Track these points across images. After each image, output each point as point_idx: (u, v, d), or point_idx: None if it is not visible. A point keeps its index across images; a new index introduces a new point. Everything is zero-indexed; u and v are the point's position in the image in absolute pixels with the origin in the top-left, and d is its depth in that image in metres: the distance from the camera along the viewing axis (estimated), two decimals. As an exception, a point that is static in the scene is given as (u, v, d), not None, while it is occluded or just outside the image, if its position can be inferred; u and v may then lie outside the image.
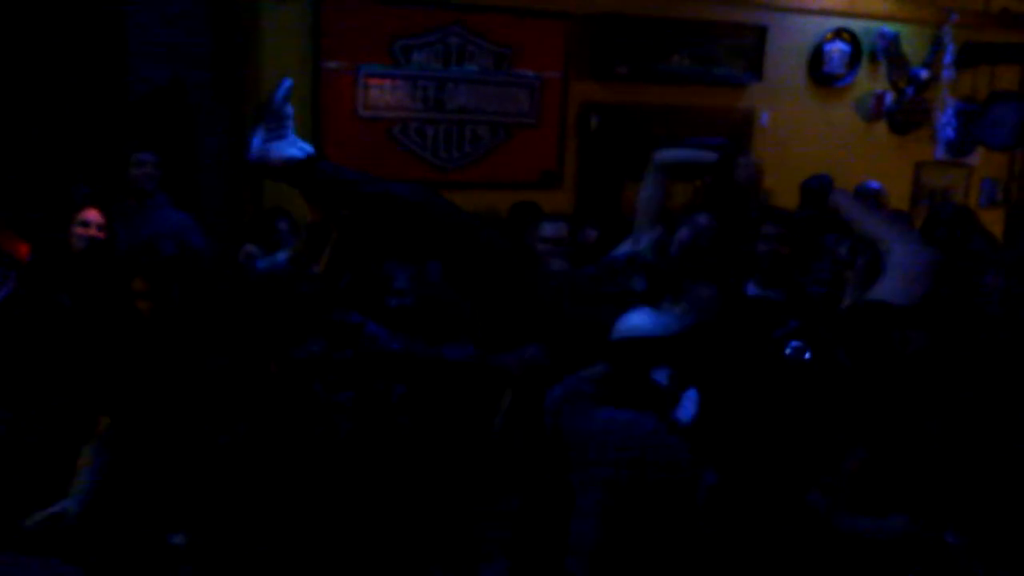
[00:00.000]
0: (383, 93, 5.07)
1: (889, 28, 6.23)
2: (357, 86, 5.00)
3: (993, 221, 6.17)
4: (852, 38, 6.14)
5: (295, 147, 2.83)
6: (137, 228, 3.96)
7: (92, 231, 3.66)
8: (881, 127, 6.41)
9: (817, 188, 5.31)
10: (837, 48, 6.14)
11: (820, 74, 6.11)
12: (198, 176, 4.81)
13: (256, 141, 2.78)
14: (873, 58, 6.27)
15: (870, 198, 5.31)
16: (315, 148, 4.85)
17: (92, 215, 3.70)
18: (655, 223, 3.68)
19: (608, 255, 3.81)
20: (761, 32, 5.78)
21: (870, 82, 6.31)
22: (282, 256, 3.65)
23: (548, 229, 4.00)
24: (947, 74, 6.40)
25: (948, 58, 6.38)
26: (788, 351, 2.24)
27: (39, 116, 4.60)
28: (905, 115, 6.41)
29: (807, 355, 2.22)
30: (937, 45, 6.37)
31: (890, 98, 6.38)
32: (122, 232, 3.81)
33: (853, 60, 6.17)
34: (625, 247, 3.75)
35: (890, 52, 6.29)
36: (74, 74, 4.67)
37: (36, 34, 4.59)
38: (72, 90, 4.66)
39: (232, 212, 4.76)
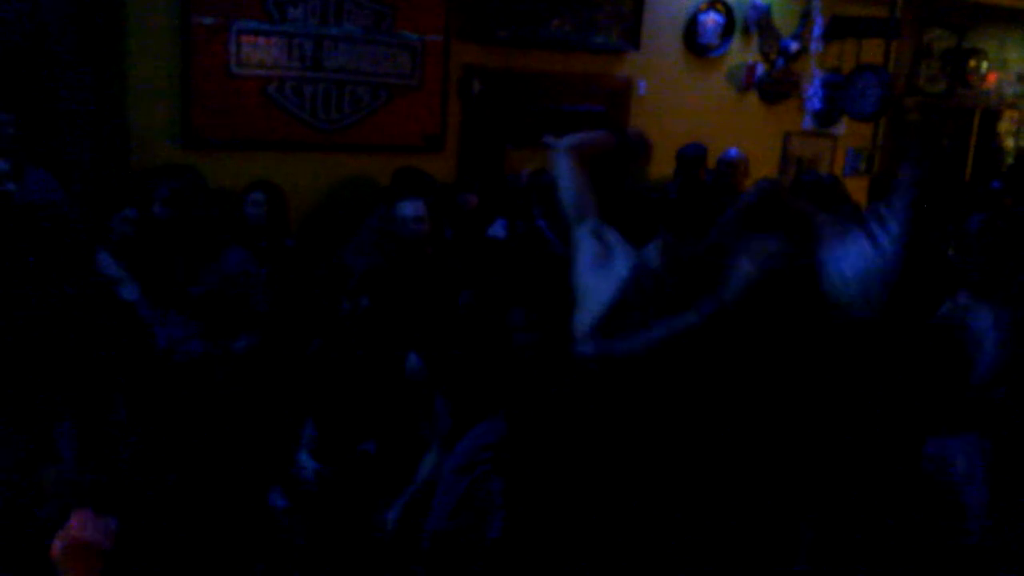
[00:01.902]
0: (257, 50, 4.90)
1: (761, 1, 6.42)
2: (230, 42, 4.82)
3: (857, 190, 6.49)
4: (726, 9, 6.30)
5: None
6: None
7: None
8: (752, 97, 6.63)
9: (691, 156, 5.52)
10: (711, 19, 6.29)
11: (695, 44, 6.26)
12: (62, 136, 4.55)
13: None
14: (746, 29, 6.46)
15: (730, 165, 5.51)
16: (186, 106, 4.74)
17: None
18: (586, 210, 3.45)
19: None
20: (639, 1, 5.85)
21: (743, 53, 6.51)
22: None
23: (408, 208, 4.01)
24: (815, 46, 6.65)
25: (817, 31, 6.63)
26: None
27: None
28: (775, 86, 6.64)
29: None
30: (806, 18, 6.62)
31: (761, 69, 6.60)
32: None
33: (727, 31, 6.34)
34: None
35: (762, 24, 6.50)
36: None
37: None
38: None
39: (98, 172, 4.53)
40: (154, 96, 4.70)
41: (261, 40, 4.90)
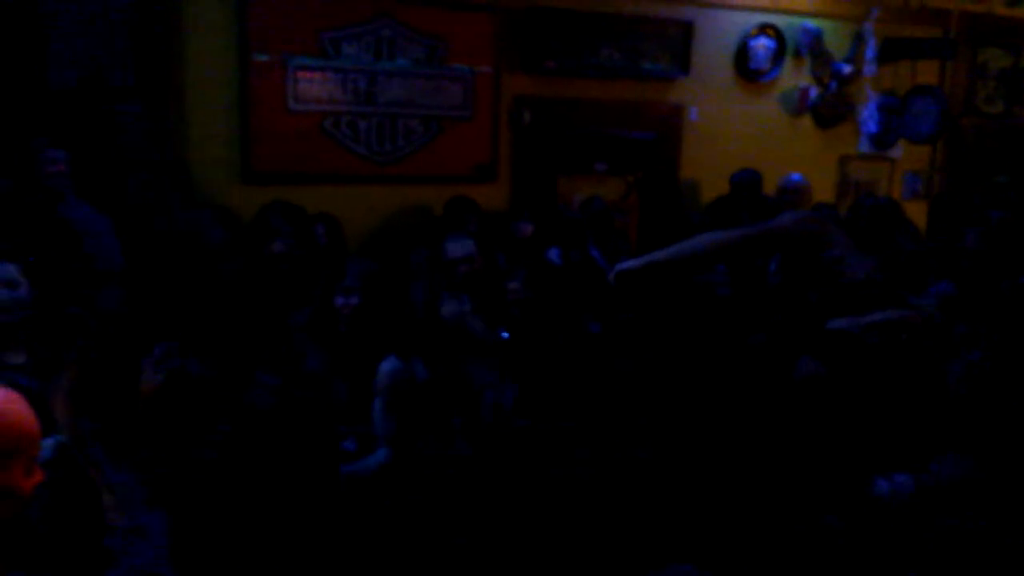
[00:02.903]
0: (313, 86, 5.00)
1: (812, 24, 6.38)
2: (287, 79, 4.92)
3: (916, 213, 6.37)
4: (777, 34, 6.27)
5: None
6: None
7: None
8: (806, 121, 6.56)
9: (746, 182, 5.47)
10: (762, 44, 6.26)
11: (746, 69, 6.23)
12: (122, 173, 4.68)
13: None
14: (797, 53, 6.41)
15: (794, 191, 5.45)
16: (244, 141, 4.84)
17: None
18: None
19: None
20: (688, 27, 5.86)
21: (795, 77, 6.45)
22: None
23: (457, 250, 3.95)
24: (869, 69, 6.58)
25: (870, 53, 6.56)
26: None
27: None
28: (829, 109, 6.57)
29: None
30: (859, 40, 6.55)
31: (814, 92, 6.54)
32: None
33: (778, 55, 6.30)
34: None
35: (814, 47, 6.44)
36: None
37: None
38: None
39: (158, 210, 4.64)
40: (213, 132, 4.81)
41: (317, 76, 5.00)
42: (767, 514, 2.48)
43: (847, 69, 6.52)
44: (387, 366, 3.17)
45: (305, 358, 3.43)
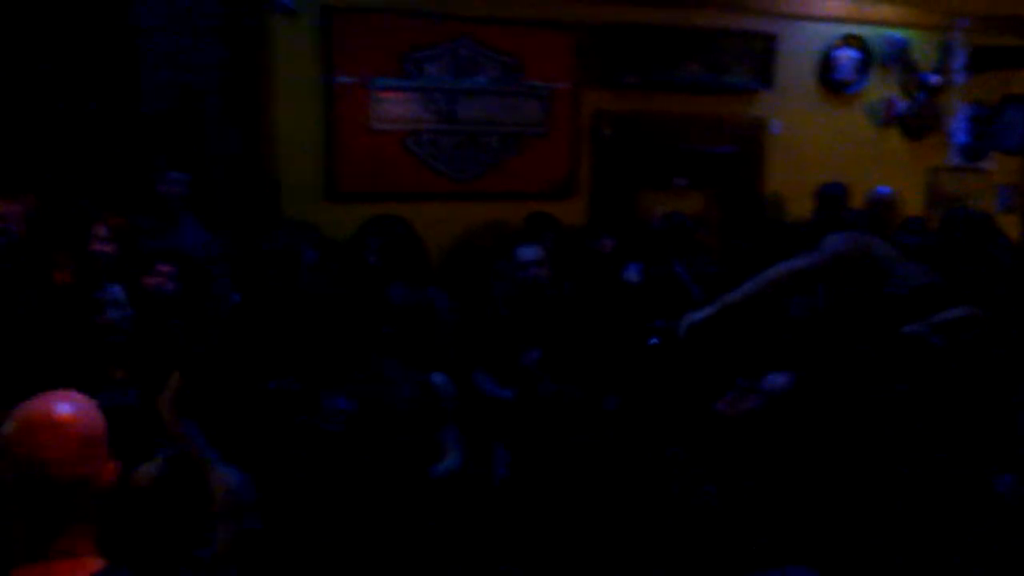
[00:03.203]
0: (395, 105, 5.08)
1: (898, 34, 6.23)
2: (370, 99, 5.01)
3: (1010, 226, 6.13)
4: (861, 44, 6.13)
5: None
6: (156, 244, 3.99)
7: (103, 245, 3.66)
8: (894, 133, 6.40)
9: (832, 194, 5.34)
10: (846, 55, 6.13)
11: (830, 80, 6.11)
12: (211, 191, 4.83)
13: None
14: (883, 64, 6.26)
15: (883, 204, 5.30)
16: (330, 161, 4.93)
17: (101, 228, 3.71)
18: None
19: None
20: (770, 39, 5.78)
21: (881, 88, 6.30)
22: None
23: (527, 253, 4.13)
24: (958, 79, 6.39)
25: (958, 63, 6.37)
26: None
27: (54, 130, 4.63)
28: (917, 120, 6.39)
29: None
30: (946, 50, 6.37)
31: (901, 104, 6.37)
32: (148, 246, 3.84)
33: (863, 66, 6.16)
34: None
35: (900, 58, 6.29)
36: (88, 90, 4.71)
37: (52, 51, 4.63)
38: (86, 106, 4.69)
39: (246, 226, 4.76)
40: (300, 151, 4.92)
41: (399, 96, 5.08)
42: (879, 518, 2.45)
43: (935, 79, 6.34)
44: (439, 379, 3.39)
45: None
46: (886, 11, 6.19)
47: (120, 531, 1.78)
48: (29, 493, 1.28)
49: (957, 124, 6.51)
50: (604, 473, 3.05)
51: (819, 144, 6.04)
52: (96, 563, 1.34)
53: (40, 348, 3.17)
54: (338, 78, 4.94)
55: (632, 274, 4.69)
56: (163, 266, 3.50)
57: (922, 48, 6.33)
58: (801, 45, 5.99)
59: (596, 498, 2.99)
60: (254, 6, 4.86)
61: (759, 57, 5.76)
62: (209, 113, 4.93)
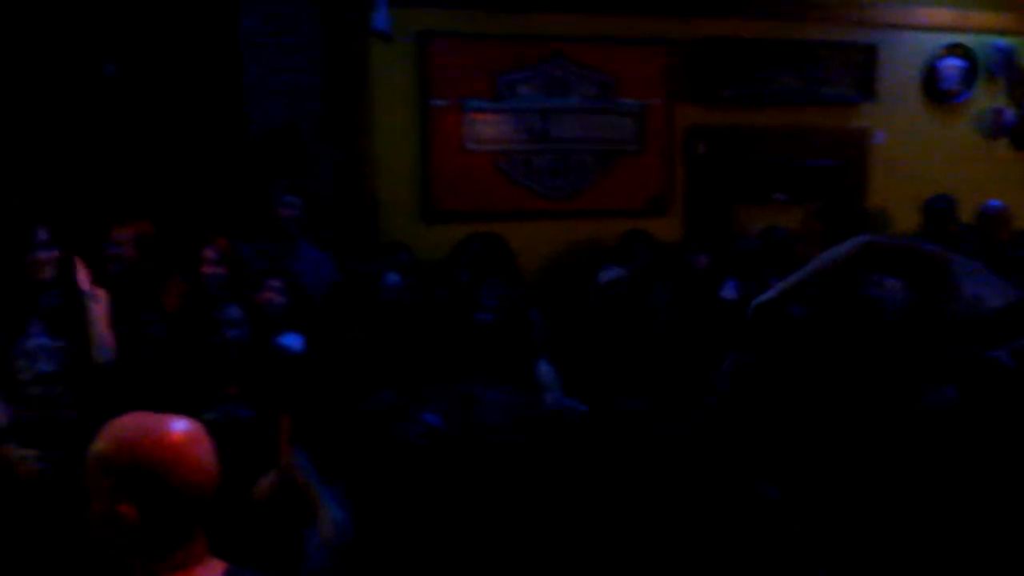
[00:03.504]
0: (489, 127, 5.14)
1: (1004, 41, 5.99)
2: (464, 121, 5.08)
3: None
4: (966, 53, 5.92)
5: None
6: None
7: (214, 268, 3.79)
8: (1002, 144, 6.13)
9: (940, 208, 5.15)
10: (951, 64, 5.92)
11: (935, 91, 5.90)
12: (315, 212, 4.94)
13: None
14: (990, 73, 6.02)
15: (993, 218, 5.09)
16: (424, 182, 5.00)
17: (211, 252, 3.83)
18: None
19: None
20: (871, 50, 5.63)
21: (988, 98, 6.06)
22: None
23: (605, 276, 4.21)
24: (1072, 87, 6.09)
25: (1070, 70, 6.08)
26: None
27: (165, 156, 4.83)
28: (1029, 130, 6.12)
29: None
30: (1059, 57, 6.09)
31: (1010, 114, 6.11)
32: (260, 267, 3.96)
33: (969, 76, 5.94)
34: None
35: (1007, 66, 6.04)
36: (196, 116, 4.90)
37: (162, 79, 4.85)
38: (194, 132, 4.89)
39: (346, 247, 4.87)
40: (397, 173, 5.02)
41: (492, 117, 5.14)
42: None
43: (1047, 87, 6.07)
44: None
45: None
46: (991, 18, 5.96)
47: (234, 537, 1.83)
48: (166, 506, 1.32)
49: (1072, 133, 6.20)
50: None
51: (924, 156, 5.84)
52: (220, 564, 1.38)
53: (159, 369, 3.30)
54: (433, 101, 5.03)
55: (729, 291, 4.61)
56: (272, 281, 3.61)
57: (1032, 56, 6.07)
58: (904, 56, 5.81)
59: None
60: (353, 33, 4.99)
61: (860, 69, 5.61)
62: (310, 137, 5.07)
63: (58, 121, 4.63)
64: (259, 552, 2.75)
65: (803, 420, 2.69)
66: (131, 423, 1.37)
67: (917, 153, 5.82)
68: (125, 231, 3.94)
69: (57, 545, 3.04)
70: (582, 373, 3.94)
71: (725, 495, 2.99)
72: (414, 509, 3.14)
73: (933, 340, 2.54)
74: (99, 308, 3.27)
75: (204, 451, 1.38)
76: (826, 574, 2.41)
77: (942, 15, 5.85)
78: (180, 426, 1.37)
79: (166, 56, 4.86)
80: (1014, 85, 6.08)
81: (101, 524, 1.32)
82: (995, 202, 5.17)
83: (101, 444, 1.35)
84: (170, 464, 1.32)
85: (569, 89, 5.24)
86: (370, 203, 5.00)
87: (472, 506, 3.19)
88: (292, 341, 3.48)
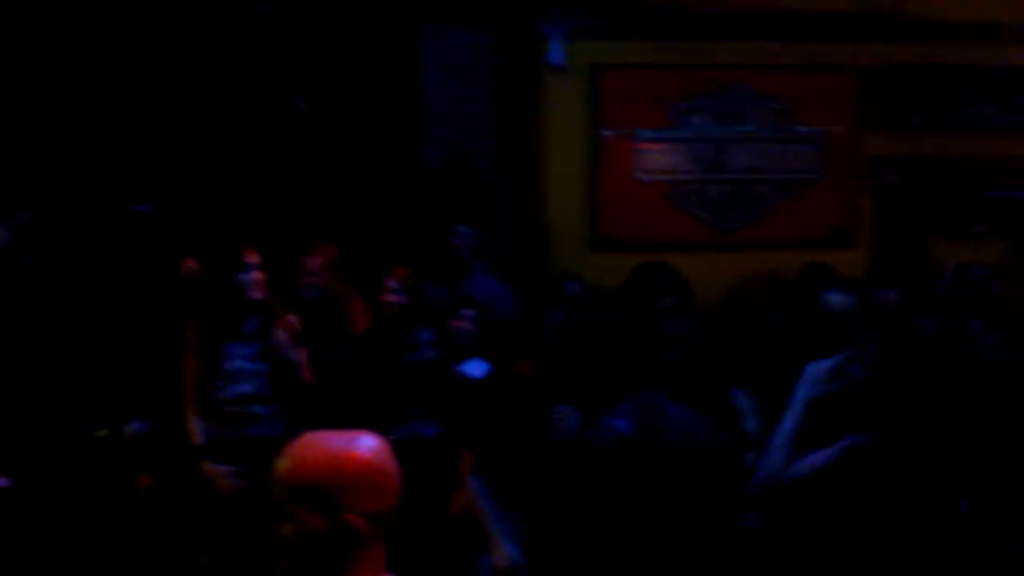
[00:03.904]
0: (660, 156, 5.08)
1: None
2: (634, 151, 5.04)
3: None
4: None
5: None
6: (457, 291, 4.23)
7: (395, 296, 3.90)
8: None
9: None
10: None
11: None
12: (488, 242, 5.04)
13: None
14: None
15: None
16: (594, 211, 5.00)
17: (392, 281, 3.95)
18: None
19: None
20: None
21: None
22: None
23: (836, 299, 3.80)
24: None
25: None
26: None
27: (349, 186, 5.05)
28: None
29: None
30: None
31: None
32: (441, 295, 4.06)
33: None
34: None
35: None
36: (378, 148, 5.11)
37: (347, 111, 5.08)
38: (376, 161, 5.10)
39: (520, 276, 4.92)
40: (566, 202, 5.03)
41: (663, 147, 5.08)
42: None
43: None
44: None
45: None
46: None
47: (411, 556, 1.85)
48: (350, 523, 1.33)
49: None
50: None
51: None
52: None
53: (349, 388, 3.42)
54: (604, 131, 5.02)
55: (927, 330, 4.32)
56: (466, 310, 3.71)
57: None
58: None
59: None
60: (528, 66, 5.07)
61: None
62: (487, 168, 5.18)
63: (254, 152, 4.94)
64: (433, 573, 2.78)
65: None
66: (317, 441, 1.39)
67: None
68: (315, 257, 4.13)
69: (247, 560, 3.19)
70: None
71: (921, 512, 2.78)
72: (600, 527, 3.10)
73: None
74: (292, 333, 3.44)
75: (389, 469, 1.38)
76: None
77: None
78: (366, 444, 1.38)
79: (352, 91, 5.10)
80: None
81: (286, 541, 1.34)
82: None
83: (288, 462, 1.37)
84: (355, 482, 1.33)
85: (745, 117, 5.11)
86: (542, 232, 5.04)
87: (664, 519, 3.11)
88: (475, 368, 3.55)
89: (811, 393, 2.69)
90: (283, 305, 3.59)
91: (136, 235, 4.39)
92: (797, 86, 5.13)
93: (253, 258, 3.36)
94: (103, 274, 4.01)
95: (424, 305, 3.85)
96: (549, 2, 4.91)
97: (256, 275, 3.36)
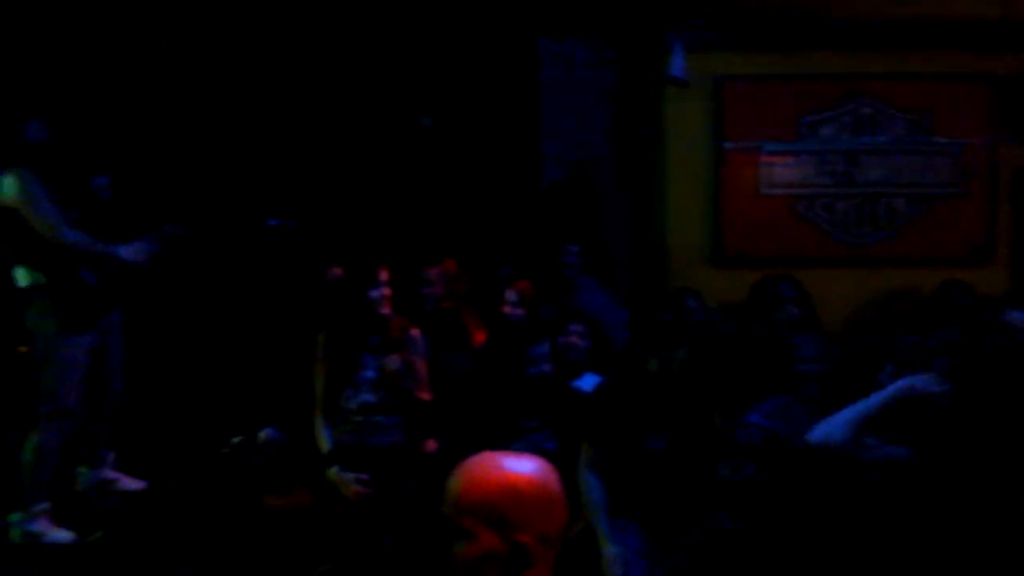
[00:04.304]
0: (787, 169, 4.95)
1: None
2: (760, 164, 4.93)
3: None
4: None
5: None
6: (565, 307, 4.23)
7: (515, 309, 3.93)
8: None
9: None
10: None
11: None
12: (604, 257, 5.02)
13: None
14: None
15: None
16: (717, 226, 4.91)
17: (512, 294, 3.98)
18: None
19: None
20: None
21: None
22: None
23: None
24: None
25: None
26: None
27: (468, 200, 5.13)
28: None
29: None
30: None
31: None
32: (549, 310, 4.07)
33: None
34: None
35: None
36: (497, 161, 5.17)
37: (467, 128, 5.17)
38: (495, 176, 5.16)
39: (638, 292, 4.88)
40: (688, 218, 4.96)
41: (791, 160, 4.95)
42: None
43: None
44: None
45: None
46: None
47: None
48: (525, 545, 1.34)
49: None
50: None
51: None
52: None
53: (469, 401, 3.47)
54: (728, 144, 4.93)
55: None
56: (575, 326, 3.71)
57: None
58: None
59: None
60: (648, 79, 5.04)
61: None
62: (603, 182, 5.16)
63: (381, 168, 5.08)
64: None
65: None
66: (491, 461, 1.40)
67: None
68: (435, 269, 4.21)
69: (367, 568, 3.25)
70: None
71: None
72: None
73: None
74: (416, 346, 3.53)
75: (560, 492, 1.39)
76: None
77: None
78: (539, 467, 1.39)
79: (473, 108, 5.18)
80: None
81: (459, 560, 1.35)
82: None
83: (463, 481, 1.38)
84: (530, 503, 1.35)
85: (876, 129, 4.92)
86: (660, 248, 4.98)
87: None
88: (588, 383, 3.54)
89: (903, 391, 2.73)
90: (404, 316, 3.67)
91: (270, 248, 4.58)
92: (932, 97, 4.91)
93: (384, 275, 3.46)
94: (241, 285, 4.19)
95: (541, 319, 3.86)
96: (671, 14, 4.86)
97: (385, 291, 3.45)
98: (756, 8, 4.85)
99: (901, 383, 2.76)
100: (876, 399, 2.76)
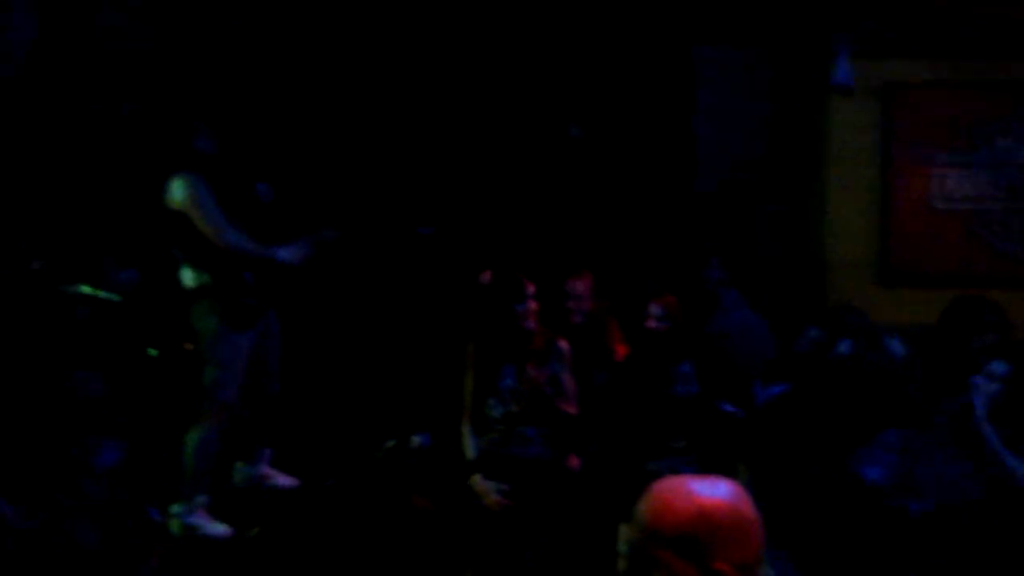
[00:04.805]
0: (960, 182, 4.63)
1: None
2: (931, 176, 4.64)
3: None
4: None
5: None
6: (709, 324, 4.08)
7: (659, 323, 3.80)
8: None
9: None
10: None
11: None
12: (757, 269, 4.83)
13: None
14: None
15: None
16: (883, 242, 4.65)
17: (657, 308, 3.85)
18: None
19: None
20: None
21: None
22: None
23: None
24: None
25: None
26: None
27: (615, 211, 5.04)
28: None
29: None
30: None
31: None
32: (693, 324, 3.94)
33: None
34: None
35: None
36: (649, 173, 5.06)
37: (619, 138, 5.08)
38: (646, 188, 5.05)
39: (793, 309, 4.67)
40: (850, 231, 4.72)
41: (964, 172, 4.64)
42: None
43: None
44: None
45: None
46: None
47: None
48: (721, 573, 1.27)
49: None
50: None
51: None
52: None
53: (609, 416, 3.39)
54: (896, 154, 4.66)
55: None
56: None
57: None
58: None
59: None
60: (809, 86, 4.82)
61: None
62: (756, 195, 4.97)
63: (529, 177, 5.07)
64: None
65: None
66: (682, 487, 1.33)
67: None
68: (580, 282, 4.14)
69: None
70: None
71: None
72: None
73: None
74: (563, 358, 3.48)
75: (754, 518, 1.31)
76: None
77: None
78: (733, 491, 1.32)
79: (625, 118, 5.09)
80: None
81: None
82: None
83: (654, 508, 1.31)
84: (725, 530, 1.27)
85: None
86: (818, 263, 4.74)
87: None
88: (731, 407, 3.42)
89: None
90: (551, 328, 3.62)
91: (422, 255, 4.63)
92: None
93: (530, 289, 3.44)
94: (394, 291, 4.25)
95: (686, 334, 3.73)
96: (836, 18, 4.64)
97: (531, 305, 3.43)
98: (929, 10, 4.57)
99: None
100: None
